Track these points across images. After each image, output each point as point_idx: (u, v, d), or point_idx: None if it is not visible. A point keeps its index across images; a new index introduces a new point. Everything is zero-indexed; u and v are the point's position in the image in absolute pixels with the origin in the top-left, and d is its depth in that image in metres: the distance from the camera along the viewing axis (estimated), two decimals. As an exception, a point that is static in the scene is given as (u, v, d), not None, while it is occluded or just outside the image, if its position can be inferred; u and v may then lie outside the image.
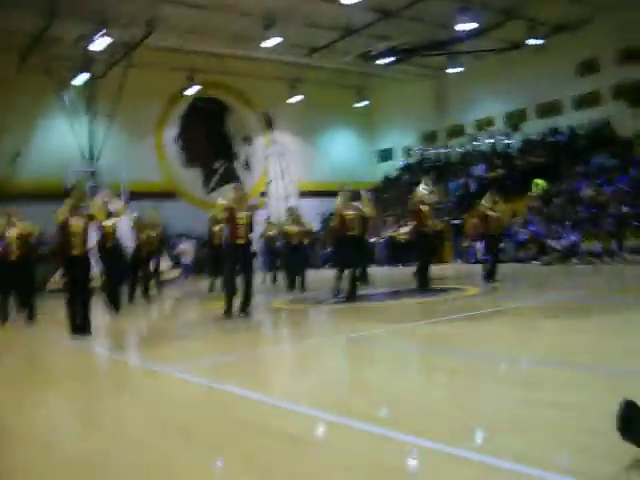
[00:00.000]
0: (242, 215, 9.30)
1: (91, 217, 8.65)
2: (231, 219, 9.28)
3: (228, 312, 9.18)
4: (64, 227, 8.37)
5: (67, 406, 4.71)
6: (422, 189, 11.78)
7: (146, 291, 13.92)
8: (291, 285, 14.01)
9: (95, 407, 4.53)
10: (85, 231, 8.50)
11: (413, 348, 6.07)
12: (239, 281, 9.35)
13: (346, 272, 10.62)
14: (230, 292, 9.37)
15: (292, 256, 14.27)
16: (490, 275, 12.33)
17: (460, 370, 4.87)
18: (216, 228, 14.17)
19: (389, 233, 23.45)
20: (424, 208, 11.47)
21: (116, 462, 3.23)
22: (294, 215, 15.00)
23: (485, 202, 13.00)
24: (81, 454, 3.41)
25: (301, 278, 13.90)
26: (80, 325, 8.18)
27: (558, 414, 3.48)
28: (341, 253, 11.13)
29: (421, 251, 11.78)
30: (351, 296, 10.44)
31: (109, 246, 11.56)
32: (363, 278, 13.42)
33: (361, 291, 11.54)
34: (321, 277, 15.07)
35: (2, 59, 22.36)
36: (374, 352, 6.05)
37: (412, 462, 2.91)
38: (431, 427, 3.38)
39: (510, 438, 3.12)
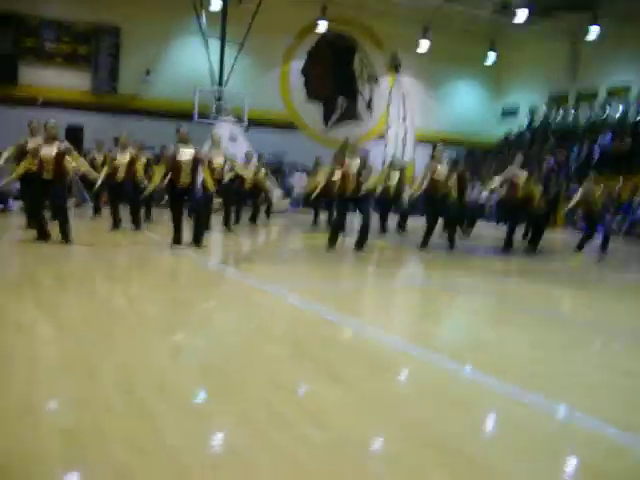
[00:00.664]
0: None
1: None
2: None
3: (331, 244, 9.63)
4: (174, 159, 8.92)
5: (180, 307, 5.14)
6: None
7: (253, 218, 14.63)
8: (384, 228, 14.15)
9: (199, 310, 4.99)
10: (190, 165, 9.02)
11: (506, 304, 6.21)
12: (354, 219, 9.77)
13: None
14: (337, 226, 9.83)
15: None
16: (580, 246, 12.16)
17: (547, 327, 5.00)
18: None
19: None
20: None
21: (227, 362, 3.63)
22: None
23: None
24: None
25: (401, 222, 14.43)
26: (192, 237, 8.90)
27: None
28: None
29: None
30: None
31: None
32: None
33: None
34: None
35: (147, -24, 23.11)
36: (472, 302, 6.23)
37: (479, 399, 3.13)
38: (507, 370, 3.58)
39: (574, 391, 3.28)
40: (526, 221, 12.45)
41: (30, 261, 7.25)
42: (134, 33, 24.31)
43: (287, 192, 23.45)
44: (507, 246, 10.85)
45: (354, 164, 9.68)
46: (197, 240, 8.85)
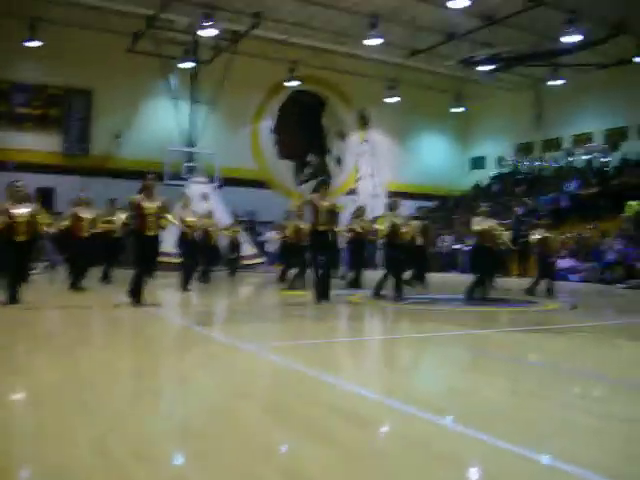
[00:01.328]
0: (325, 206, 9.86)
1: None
2: (314, 211, 9.80)
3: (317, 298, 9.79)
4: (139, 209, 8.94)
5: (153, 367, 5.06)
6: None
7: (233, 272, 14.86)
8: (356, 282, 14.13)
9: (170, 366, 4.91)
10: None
11: (482, 352, 6.19)
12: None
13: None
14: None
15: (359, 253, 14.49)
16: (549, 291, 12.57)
17: (528, 378, 4.98)
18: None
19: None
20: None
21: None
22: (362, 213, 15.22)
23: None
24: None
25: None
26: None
27: (626, 427, 3.59)
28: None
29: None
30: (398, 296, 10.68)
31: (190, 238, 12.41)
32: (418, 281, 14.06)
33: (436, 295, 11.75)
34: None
35: (114, 40, 23.47)
36: (446, 352, 6.20)
37: (464, 451, 3.09)
38: (491, 423, 3.54)
39: (562, 439, 3.26)
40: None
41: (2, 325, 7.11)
42: (105, 95, 24.56)
43: (260, 249, 23.44)
44: (470, 293, 10.97)
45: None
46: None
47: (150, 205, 8.94)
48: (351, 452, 2.97)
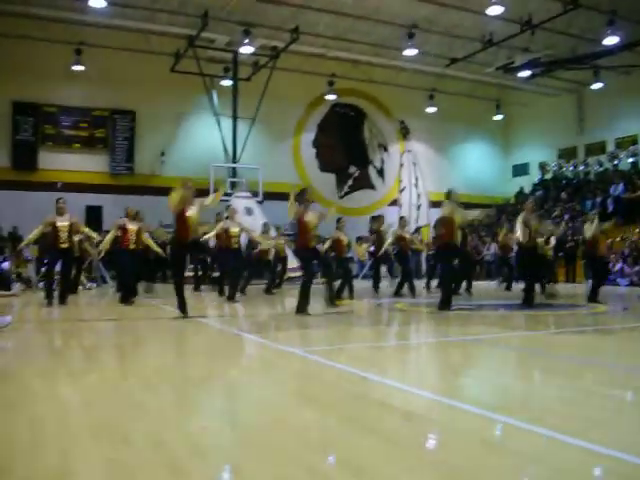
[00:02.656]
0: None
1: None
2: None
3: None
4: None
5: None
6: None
7: (268, 288, 15.30)
8: (403, 289, 14.18)
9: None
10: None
11: (532, 351, 6.15)
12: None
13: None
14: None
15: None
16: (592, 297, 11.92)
17: (578, 375, 4.95)
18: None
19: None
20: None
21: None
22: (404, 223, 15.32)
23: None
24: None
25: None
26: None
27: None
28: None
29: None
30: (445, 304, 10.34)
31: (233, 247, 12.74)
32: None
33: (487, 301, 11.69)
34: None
35: (156, 61, 23.93)
36: (496, 353, 6.18)
37: (507, 438, 3.10)
38: (540, 416, 3.54)
39: (611, 430, 3.24)
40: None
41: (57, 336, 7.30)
42: (148, 115, 25.05)
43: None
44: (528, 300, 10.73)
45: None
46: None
47: (191, 213, 9.16)
48: (400, 444, 3.00)
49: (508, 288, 16.10)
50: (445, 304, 10.04)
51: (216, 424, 3.51)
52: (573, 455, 2.82)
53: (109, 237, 11.81)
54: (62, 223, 11.22)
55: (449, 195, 10.58)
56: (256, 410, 3.89)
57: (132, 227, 11.89)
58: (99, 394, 4.16)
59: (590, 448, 2.88)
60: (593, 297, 11.71)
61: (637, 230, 20.77)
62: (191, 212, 9.16)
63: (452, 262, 10.75)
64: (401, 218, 15.34)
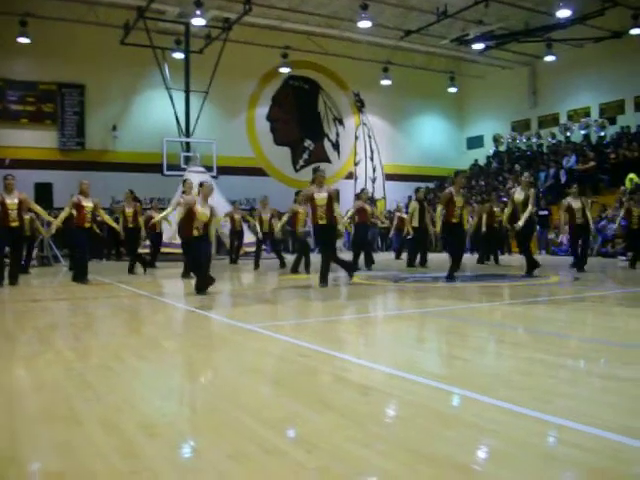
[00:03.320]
0: (321, 197, 9.87)
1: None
2: (311, 202, 9.91)
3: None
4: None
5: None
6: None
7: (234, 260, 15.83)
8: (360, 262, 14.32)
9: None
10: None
11: (485, 323, 6.21)
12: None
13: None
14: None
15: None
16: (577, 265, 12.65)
17: (525, 344, 5.02)
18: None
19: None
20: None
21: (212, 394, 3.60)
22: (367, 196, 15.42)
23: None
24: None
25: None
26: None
27: (614, 384, 3.64)
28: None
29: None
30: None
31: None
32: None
33: (438, 274, 11.82)
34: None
35: (105, 33, 23.40)
36: (448, 325, 6.23)
37: (462, 410, 3.11)
38: (490, 386, 3.58)
39: (568, 401, 3.28)
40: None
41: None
42: (98, 89, 24.54)
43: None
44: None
45: (322, 196, 9.87)
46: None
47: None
48: (355, 419, 3.00)
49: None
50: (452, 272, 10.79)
51: (170, 403, 3.46)
52: (527, 426, 2.85)
53: (63, 215, 11.49)
54: (11, 201, 10.79)
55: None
56: (211, 388, 3.86)
57: (88, 204, 11.52)
58: (51, 376, 4.07)
59: (544, 418, 2.92)
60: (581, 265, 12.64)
61: (589, 201, 21.11)
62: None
63: (456, 238, 11.10)
64: (362, 190, 15.38)
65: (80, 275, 11.36)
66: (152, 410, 3.27)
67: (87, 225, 11.48)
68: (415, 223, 14.64)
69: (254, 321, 6.34)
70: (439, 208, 11.28)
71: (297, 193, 13.73)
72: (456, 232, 10.96)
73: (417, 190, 15.09)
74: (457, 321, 6.38)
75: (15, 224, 10.88)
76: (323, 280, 9.92)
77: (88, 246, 11.84)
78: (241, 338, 5.54)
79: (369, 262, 14.16)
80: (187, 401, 3.57)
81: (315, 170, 10.74)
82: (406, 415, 3.14)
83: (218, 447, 2.64)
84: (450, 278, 10.70)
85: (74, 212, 11.51)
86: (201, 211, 8.98)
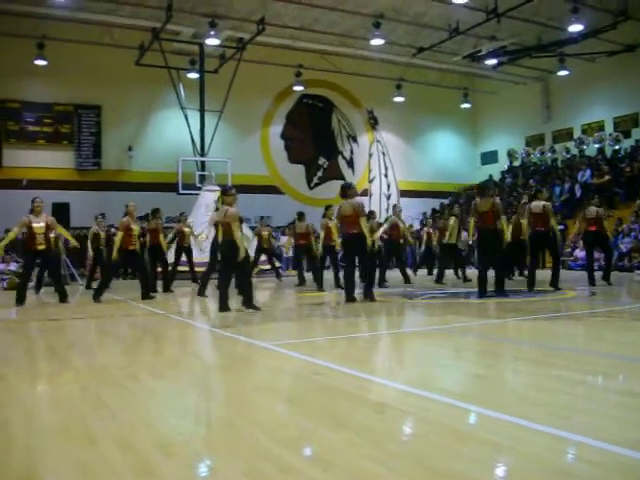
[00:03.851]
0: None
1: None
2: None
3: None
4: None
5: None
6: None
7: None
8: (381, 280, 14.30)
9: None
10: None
11: (501, 339, 6.18)
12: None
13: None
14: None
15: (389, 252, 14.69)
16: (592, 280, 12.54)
17: (542, 361, 4.98)
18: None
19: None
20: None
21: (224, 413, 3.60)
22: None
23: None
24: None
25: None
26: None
27: (631, 400, 3.61)
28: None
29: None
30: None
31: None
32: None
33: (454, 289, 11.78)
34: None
35: (121, 54, 23.63)
36: (464, 342, 6.20)
37: (479, 427, 3.10)
38: (506, 403, 3.56)
39: (585, 417, 3.26)
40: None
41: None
42: (114, 109, 24.78)
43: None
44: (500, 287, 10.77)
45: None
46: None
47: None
48: (371, 437, 2.99)
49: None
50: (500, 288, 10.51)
51: (185, 422, 3.46)
52: (543, 442, 2.83)
53: (118, 239, 11.59)
54: (38, 224, 10.95)
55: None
56: (226, 406, 3.86)
57: (135, 227, 11.77)
58: (66, 394, 4.09)
59: (560, 435, 2.89)
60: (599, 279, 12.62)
61: (606, 213, 20.99)
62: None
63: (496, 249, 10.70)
64: (395, 206, 15.59)
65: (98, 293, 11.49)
66: (168, 429, 3.27)
67: (132, 248, 11.69)
68: (452, 240, 14.72)
69: (268, 339, 6.34)
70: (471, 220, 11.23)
71: (327, 208, 13.68)
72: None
73: (453, 206, 15.32)
74: (473, 337, 6.35)
75: (42, 247, 11.01)
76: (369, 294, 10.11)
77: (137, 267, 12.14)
78: (257, 356, 5.54)
79: (406, 279, 14.38)
80: (202, 419, 3.57)
81: (348, 186, 10.69)
82: (421, 432, 3.13)
83: (233, 466, 2.64)
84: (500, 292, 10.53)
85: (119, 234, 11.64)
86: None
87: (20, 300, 10.91)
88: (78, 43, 23.09)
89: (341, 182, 11.84)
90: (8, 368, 5.08)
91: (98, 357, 5.70)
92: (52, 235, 12.82)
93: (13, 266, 16.70)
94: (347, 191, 10.27)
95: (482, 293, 10.36)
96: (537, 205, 11.26)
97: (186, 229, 15.17)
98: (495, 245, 10.39)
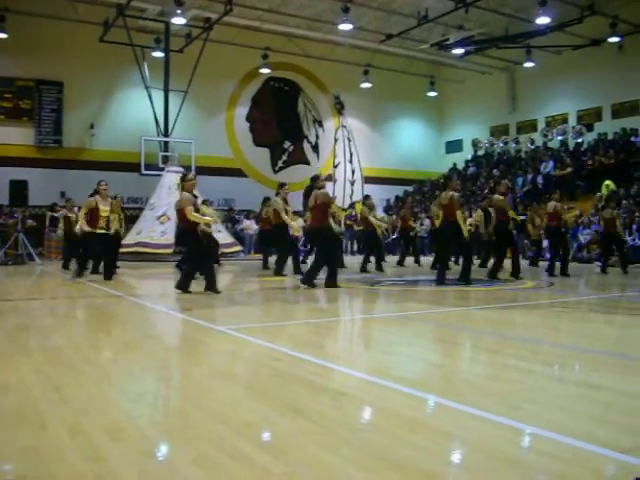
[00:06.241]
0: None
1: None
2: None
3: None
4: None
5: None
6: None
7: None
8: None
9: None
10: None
11: (457, 329, 6.22)
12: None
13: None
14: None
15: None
16: (551, 270, 12.97)
17: (498, 350, 5.03)
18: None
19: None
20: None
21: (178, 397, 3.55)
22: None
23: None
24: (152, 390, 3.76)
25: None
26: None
27: (584, 391, 3.65)
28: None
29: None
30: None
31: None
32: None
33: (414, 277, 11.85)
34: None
35: (86, 30, 23.17)
36: (422, 329, 6.23)
37: (432, 416, 3.11)
38: (461, 392, 3.58)
39: (539, 407, 3.29)
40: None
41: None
42: (77, 87, 24.29)
43: (238, 237, 23.31)
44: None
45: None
46: None
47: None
48: (325, 424, 2.98)
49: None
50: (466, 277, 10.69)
51: (138, 406, 3.41)
52: (496, 432, 2.85)
53: (81, 216, 11.35)
54: (104, 207, 11.38)
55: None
56: (180, 391, 3.82)
57: (104, 208, 11.38)
58: (18, 378, 4.01)
59: (513, 425, 2.91)
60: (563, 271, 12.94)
61: (565, 207, 21.27)
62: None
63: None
64: (366, 197, 15.88)
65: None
66: (120, 413, 3.22)
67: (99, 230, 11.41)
68: (482, 230, 15.49)
69: (227, 323, 6.30)
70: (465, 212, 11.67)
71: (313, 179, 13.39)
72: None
73: (483, 198, 15.73)
74: (432, 325, 6.39)
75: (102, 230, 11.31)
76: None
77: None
78: (214, 340, 5.50)
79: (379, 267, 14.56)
80: (155, 404, 3.53)
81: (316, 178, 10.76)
82: (376, 421, 3.13)
83: (184, 452, 2.61)
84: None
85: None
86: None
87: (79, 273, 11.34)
88: (41, 17, 22.56)
89: (304, 166, 11.82)
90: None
91: (53, 339, 5.61)
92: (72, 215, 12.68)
93: None
94: (314, 183, 10.45)
95: (441, 281, 10.47)
96: (445, 196, 10.77)
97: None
98: (457, 236, 10.45)
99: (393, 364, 4.59)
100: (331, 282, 10.02)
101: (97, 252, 11.51)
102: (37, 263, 17.01)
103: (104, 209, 11.09)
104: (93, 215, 10.98)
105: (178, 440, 2.77)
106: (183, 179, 9.36)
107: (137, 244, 19.23)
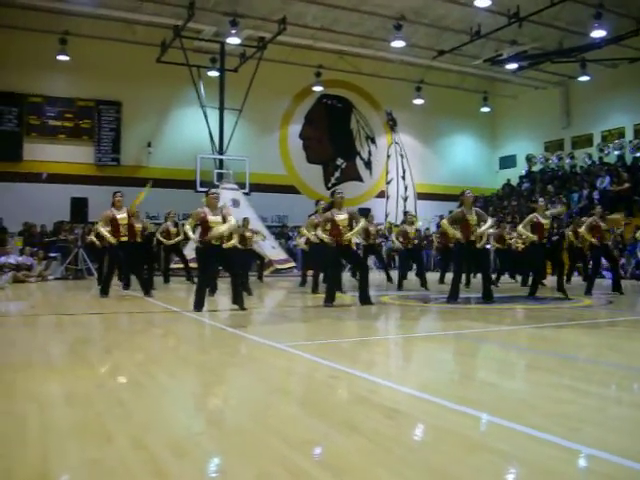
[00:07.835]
0: (341, 218, 9.83)
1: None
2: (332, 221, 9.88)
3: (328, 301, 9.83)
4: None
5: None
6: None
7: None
8: (400, 283, 14.29)
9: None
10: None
11: (515, 347, 6.16)
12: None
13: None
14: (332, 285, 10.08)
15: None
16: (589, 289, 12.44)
17: (556, 370, 4.96)
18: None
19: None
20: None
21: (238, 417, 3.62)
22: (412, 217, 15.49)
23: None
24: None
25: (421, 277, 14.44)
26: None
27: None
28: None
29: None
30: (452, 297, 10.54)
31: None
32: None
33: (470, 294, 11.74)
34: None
35: (142, 51, 23.77)
36: (477, 348, 6.20)
37: (489, 436, 3.10)
38: (517, 412, 3.56)
39: (596, 429, 3.25)
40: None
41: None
42: (134, 106, 24.92)
43: (291, 253, 23.44)
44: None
45: (342, 217, 9.87)
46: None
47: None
48: (381, 442, 3.00)
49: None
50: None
51: (198, 422, 3.49)
52: (553, 453, 2.83)
53: (103, 231, 11.66)
54: (121, 216, 11.61)
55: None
56: (238, 407, 3.88)
57: (122, 217, 11.69)
58: (83, 391, 4.13)
59: (571, 447, 2.89)
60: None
61: (622, 223, 20.86)
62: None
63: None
64: (405, 213, 15.70)
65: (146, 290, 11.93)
66: (180, 429, 3.30)
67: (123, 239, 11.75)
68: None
69: (282, 339, 6.36)
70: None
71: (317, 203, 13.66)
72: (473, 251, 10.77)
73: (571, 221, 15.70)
74: (487, 344, 6.34)
75: (124, 238, 11.62)
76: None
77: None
78: (269, 357, 5.57)
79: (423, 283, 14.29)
80: (215, 420, 3.60)
81: (333, 193, 10.61)
82: (432, 440, 3.14)
83: (244, 468, 2.66)
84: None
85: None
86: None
87: (104, 291, 11.54)
88: (100, 39, 23.29)
89: (357, 183, 11.80)
90: (24, 363, 5.14)
91: (114, 353, 5.75)
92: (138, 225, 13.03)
93: (13, 259, 16.73)
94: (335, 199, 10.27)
95: (454, 298, 10.49)
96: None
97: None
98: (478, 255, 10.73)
99: (448, 382, 4.59)
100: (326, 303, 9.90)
101: (121, 259, 11.80)
102: (96, 278, 17.38)
103: (122, 217, 11.49)
104: (113, 225, 11.34)
105: (239, 457, 2.82)
106: (206, 194, 9.49)
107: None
